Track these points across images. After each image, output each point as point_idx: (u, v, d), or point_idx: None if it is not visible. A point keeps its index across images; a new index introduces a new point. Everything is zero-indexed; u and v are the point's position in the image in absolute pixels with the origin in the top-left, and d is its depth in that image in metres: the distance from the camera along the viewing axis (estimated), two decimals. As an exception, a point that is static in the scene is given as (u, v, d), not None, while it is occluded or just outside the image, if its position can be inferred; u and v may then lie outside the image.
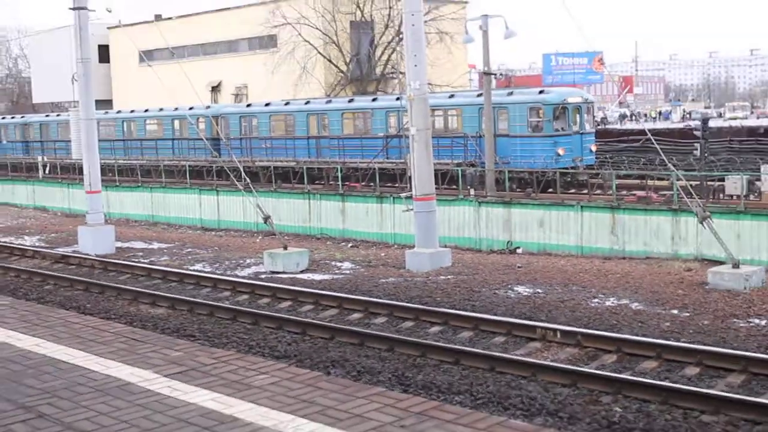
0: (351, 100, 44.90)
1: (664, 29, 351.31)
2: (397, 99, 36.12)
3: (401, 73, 44.48)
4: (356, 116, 42.16)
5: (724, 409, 11.11)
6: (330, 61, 59.31)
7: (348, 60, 59.89)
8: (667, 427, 10.86)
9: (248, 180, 26.76)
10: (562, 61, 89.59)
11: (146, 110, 54.01)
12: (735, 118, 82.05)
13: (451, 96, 40.35)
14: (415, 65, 22.67)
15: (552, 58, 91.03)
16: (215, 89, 66.41)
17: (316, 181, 39.91)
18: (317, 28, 58.17)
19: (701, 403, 11.33)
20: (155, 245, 29.88)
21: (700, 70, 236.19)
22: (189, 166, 43.87)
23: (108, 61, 74.39)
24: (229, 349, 12.45)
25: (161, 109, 52.21)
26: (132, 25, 64.54)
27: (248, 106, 49.58)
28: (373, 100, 43.54)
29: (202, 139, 41.16)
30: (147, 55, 56.22)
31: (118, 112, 57.72)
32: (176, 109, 50.20)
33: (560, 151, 34.99)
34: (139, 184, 44.19)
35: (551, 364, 13.15)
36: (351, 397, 7.10)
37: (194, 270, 23.65)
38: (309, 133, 43.57)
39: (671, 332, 15.15)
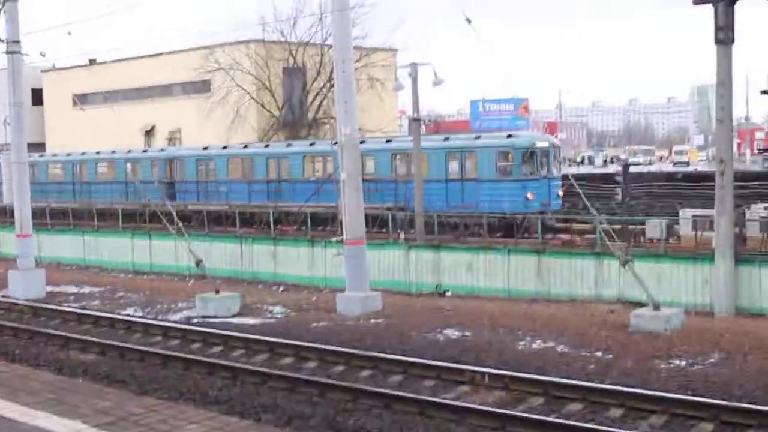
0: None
1: (586, 77, 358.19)
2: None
3: (332, 118, 44.60)
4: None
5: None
6: (263, 106, 59.34)
7: (280, 105, 59.96)
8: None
9: (180, 224, 26.48)
10: (489, 107, 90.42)
11: (98, 152, 52.07)
12: (637, 164, 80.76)
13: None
14: (346, 111, 22.73)
15: (479, 104, 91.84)
16: (149, 133, 65.88)
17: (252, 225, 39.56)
18: (250, 74, 58.23)
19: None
20: (86, 289, 29.30)
21: (621, 116, 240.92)
22: (122, 210, 43.23)
23: (41, 104, 73.24)
24: (159, 397, 12.22)
25: (113, 152, 50.80)
26: (66, 68, 63.90)
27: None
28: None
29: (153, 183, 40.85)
30: (81, 99, 55.86)
31: (68, 154, 55.00)
32: (129, 151, 49.41)
33: (529, 196, 34.35)
34: (71, 227, 43.48)
35: (479, 407, 13.14)
36: (281, 447, 7.01)
37: (125, 314, 23.22)
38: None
39: (596, 374, 15.25)
